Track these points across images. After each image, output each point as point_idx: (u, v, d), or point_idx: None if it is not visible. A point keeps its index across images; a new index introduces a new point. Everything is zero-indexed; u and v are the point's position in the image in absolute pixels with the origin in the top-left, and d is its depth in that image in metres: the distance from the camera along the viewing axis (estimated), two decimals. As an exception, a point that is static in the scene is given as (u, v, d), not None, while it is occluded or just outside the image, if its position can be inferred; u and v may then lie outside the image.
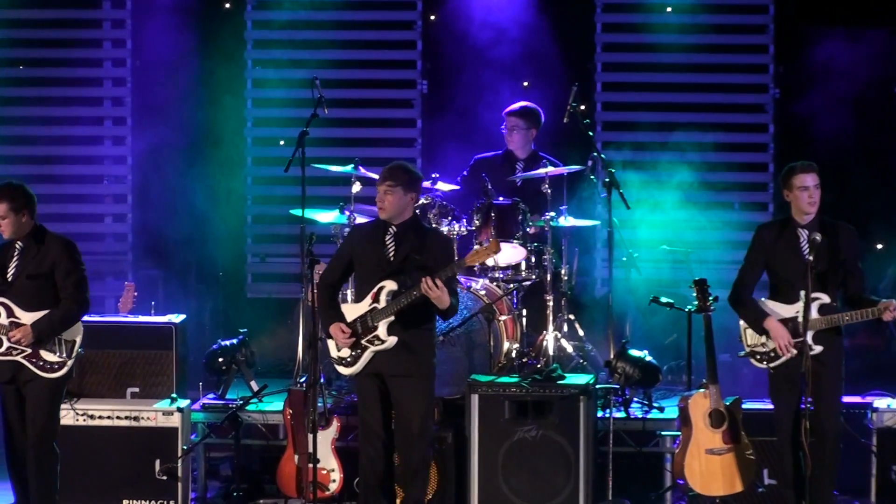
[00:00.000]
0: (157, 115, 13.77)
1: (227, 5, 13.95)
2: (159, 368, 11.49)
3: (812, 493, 9.90)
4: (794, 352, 9.85)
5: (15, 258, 9.93)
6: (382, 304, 9.78)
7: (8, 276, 9.91)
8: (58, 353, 9.95)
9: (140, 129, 13.91)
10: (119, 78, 13.99)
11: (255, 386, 11.62)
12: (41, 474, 9.97)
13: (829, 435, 9.85)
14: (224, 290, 13.78)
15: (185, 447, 11.12)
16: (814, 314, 9.86)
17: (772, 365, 10.02)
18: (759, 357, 10.04)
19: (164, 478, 11.06)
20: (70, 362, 9.98)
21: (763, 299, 10.04)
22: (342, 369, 9.98)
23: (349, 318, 9.85)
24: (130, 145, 13.96)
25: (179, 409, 11.18)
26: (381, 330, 9.78)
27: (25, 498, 10.10)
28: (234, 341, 11.86)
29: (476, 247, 10.09)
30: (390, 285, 9.78)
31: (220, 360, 11.79)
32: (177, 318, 11.71)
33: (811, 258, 9.74)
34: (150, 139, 13.81)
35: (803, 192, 9.92)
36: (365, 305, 9.84)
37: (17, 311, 9.88)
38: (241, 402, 11.40)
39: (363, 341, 9.83)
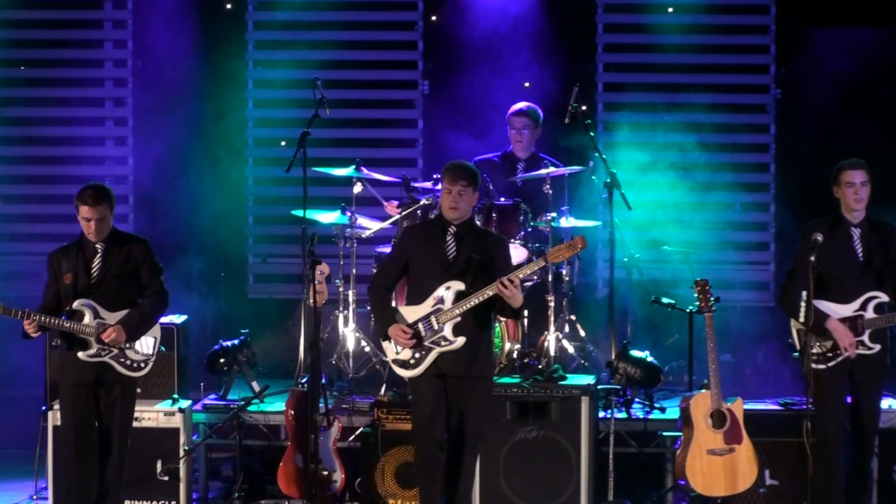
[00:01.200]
0: (158, 116, 13.78)
1: (229, 6, 13.96)
2: (161, 369, 11.48)
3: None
4: (857, 352, 9.82)
5: (98, 259, 9.91)
6: (448, 304, 9.72)
7: (92, 277, 9.90)
8: (143, 352, 9.96)
9: (141, 129, 13.92)
10: (120, 78, 13.99)
11: (256, 386, 11.62)
12: (120, 470, 10.00)
13: (870, 437, 9.86)
14: (226, 290, 13.79)
15: (186, 448, 11.13)
16: (871, 313, 9.84)
17: (829, 365, 9.94)
18: (816, 357, 9.93)
19: (166, 478, 11.08)
20: (153, 360, 10.01)
21: (817, 300, 9.93)
22: (403, 371, 9.83)
23: (409, 320, 9.78)
24: (132, 146, 13.97)
25: (181, 410, 11.20)
26: (448, 330, 9.70)
27: (86, 498, 10.04)
28: (236, 342, 11.87)
29: (560, 244, 9.97)
30: (457, 285, 9.71)
31: (222, 360, 11.80)
32: (178, 319, 11.72)
33: (812, 258, 9.71)
34: (152, 140, 13.82)
35: (849, 187, 9.91)
36: (427, 307, 9.73)
37: (102, 311, 9.87)
38: (243, 402, 11.41)
39: (427, 342, 9.75)
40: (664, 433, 11.28)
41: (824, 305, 9.90)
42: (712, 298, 10.49)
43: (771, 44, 13.58)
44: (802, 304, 9.75)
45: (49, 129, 13.97)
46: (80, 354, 9.83)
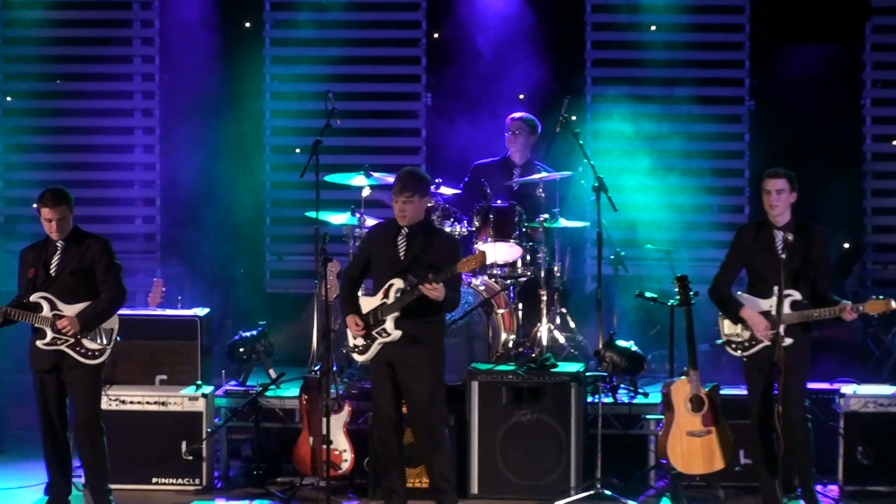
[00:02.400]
0: (183, 126, 13.75)
1: (248, 25, 13.93)
2: (185, 358, 11.48)
3: (786, 471, 9.88)
4: (770, 338, 9.82)
5: (57, 256, 9.91)
6: (391, 300, 9.82)
7: (51, 272, 9.90)
8: (98, 341, 9.94)
9: (167, 138, 13.89)
10: (148, 91, 13.96)
11: (273, 374, 11.59)
12: (95, 451, 10.02)
13: (793, 419, 9.82)
14: (245, 285, 13.76)
15: (209, 430, 11.12)
16: (786, 309, 9.84)
17: (746, 353, 10.00)
18: (734, 346, 10.04)
19: (190, 458, 11.07)
20: (109, 349, 9.98)
21: (740, 293, 10.02)
22: (356, 356, 10.11)
23: (365, 310, 9.89)
24: (159, 153, 13.94)
25: (204, 395, 11.18)
26: (389, 324, 9.83)
27: (60, 477, 10.09)
28: (254, 333, 11.84)
29: (466, 256, 10.06)
30: (398, 283, 9.82)
31: (241, 349, 11.77)
32: (201, 312, 11.70)
33: (784, 256, 9.72)
34: (177, 147, 13.80)
35: (767, 195, 9.96)
36: (377, 300, 9.89)
37: (59, 304, 9.88)
38: (261, 388, 11.39)
39: (373, 332, 9.86)
40: (647, 416, 11.26)
41: (747, 298, 9.95)
42: (691, 293, 10.48)
43: (745, 59, 13.55)
44: (774, 297, 9.73)
45: (83, 138, 13.95)
46: (38, 343, 9.85)
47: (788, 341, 9.81)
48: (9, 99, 13.91)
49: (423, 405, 9.90)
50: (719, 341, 10.11)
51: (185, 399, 11.16)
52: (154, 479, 11.05)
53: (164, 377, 11.52)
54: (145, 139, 14.00)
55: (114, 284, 9.97)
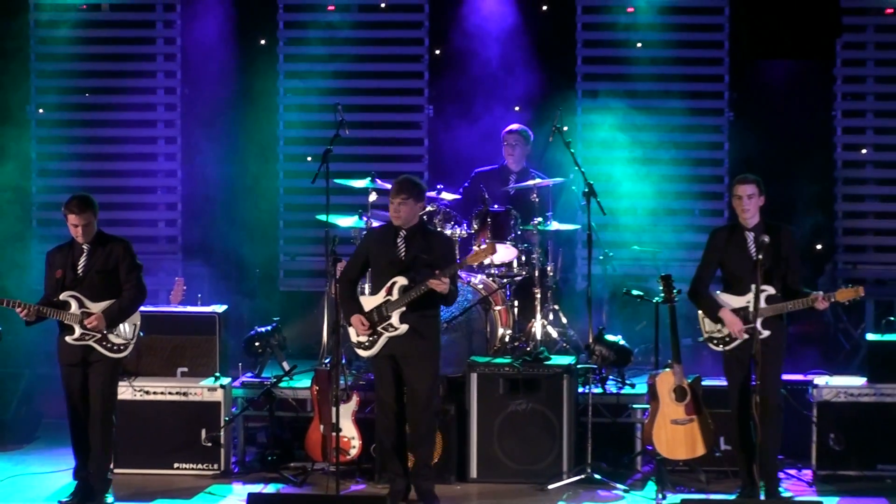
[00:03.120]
0: (202, 135, 13.75)
1: (263, 42, 13.93)
2: (205, 351, 11.47)
3: (761, 457, 9.90)
4: (746, 336, 9.85)
5: (83, 257, 9.94)
6: (395, 296, 9.84)
7: (78, 272, 9.93)
8: (122, 337, 9.96)
9: (188, 147, 13.89)
10: (170, 103, 13.95)
11: (286, 366, 11.60)
12: (104, 440, 10.04)
13: (771, 407, 9.84)
14: (260, 284, 13.75)
15: (226, 418, 11.12)
16: (762, 304, 9.85)
17: (726, 348, 10.01)
18: (715, 341, 10.06)
19: (209, 444, 11.07)
20: (132, 343, 10.01)
21: (718, 292, 10.03)
22: (361, 352, 10.09)
23: (366, 309, 9.91)
24: (180, 161, 13.93)
25: (222, 386, 11.19)
26: (395, 319, 9.84)
27: (86, 462, 10.09)
28: (269, 328, 11.84)
29: (475, 248, 10.12)
30: (402, 281, 9.84)
31: (257, 344, 11.77)
32: (220, 309, 11.70)
33: (760, 256, 9.74)
34: (197, 155, 13.80)
35: (738, 200, 9.99)
36: (380, 298, 9.89)
37: (87, 302, 9.90)
38: (275, 380, 11.39)
39: (379, 328, 9.88)
40: (634, 406, 11.26)
41: (723, 298, 9.98)
42: (675, 291, 10.47)
43: (725, 73, 13.54)
44: (752, 294, 9.74)
45: (110, 147, 13.94)
46: (67, 338, 9.87)
47: (766, 333, 9.84)
48: (41, 111, 13.91)
49: (425, 397, 9.95)
50: (701, 338, 10.13)
51: (205, 390, 11.16)
52: (175, 465, 11.06)
53: (185, 369, 11.52)
54: (167, 148, 13.99)
55: (136, 283, 10.02)
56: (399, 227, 9.94)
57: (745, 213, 9.95)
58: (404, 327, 9.85)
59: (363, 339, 9.99)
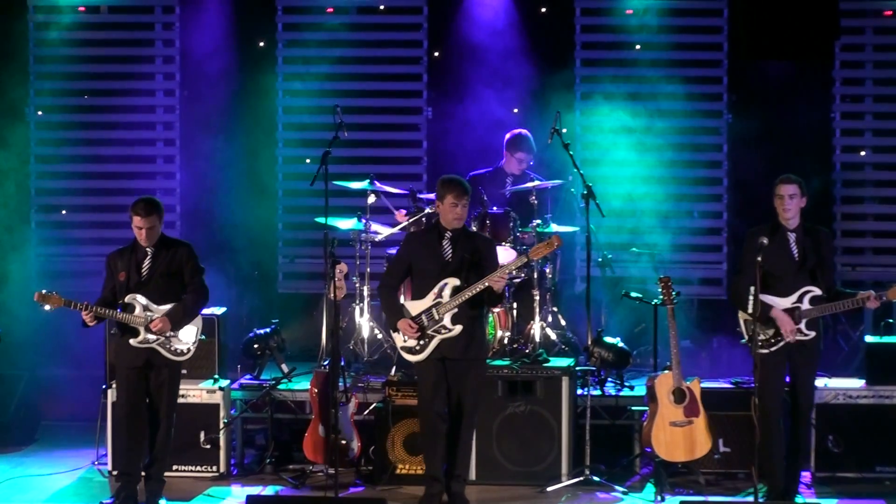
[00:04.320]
0: (201, 137, 13.75)
1: (262, 44, 13.93)
2: (204, 353, 11.45)
3: (788, 458, 9.88)
4: (797, 337, 9.80)
5: (148, 260, 9.93)
6: (446, 298, 9.76)
7: (143, 275, 9.90)
8: (185, 340, 9.96)
9: (187, 149, 13.89)
10: (169, 106, 13.95)
11: (285, 368, 11.60)
12: (166, 442, 10.07)
13: (806, 410, 9.83)
14: (259, 286, 13.75)
15: (225, 420, 11.12)
16: (807, 305, 9.82)
17: (771, 350, 9.88)
18: (760, 343, 9.86)
19: (208, 446, 11.08)
20: (194, 348, 10.01)
21: (763, 295, 9.83)
22: (410, 357, 9.95)
23: (413, 313, 9.83)
24: (179, 163, 13.93)
25: (221, 388, 11.19)
26: (447, 320, 9.77)
27: (135, 465, 10.04)
28: (268, 330, 11.84)
29: (539, 243, 10.04)
30: (453, 282, 9.81)
31: (256, 346, 11.77)
32: (219, 311, 11.69)
33: (759, 258, 9.69)
34: (196, 158, 13.80)
35: (780, 199, 9.94)
36: (428, 301, 9.82)
37: (151, 304, 9.88)
38: (274, 382, 11.40)
39: (430, 331, 9.79)
40: (633, 408, 11.26)
41: (768, 299, 9.87)
42: (674, 293, 10.48)
43: (724, 75, 13.54)
44: (750, 297, 9.72)
45: (108, 149, 13.94)
46: (132, 341, 9.85)
47: (811, 334, 9.81)
48: (40, 113, 13.90)
49: (472, 399, 9.93)
50: (743, 340, 10.01)
51: (204, 392, 11.16)
52: (175, 466, 11.05)
53: (185, 371, 11.47)
54: (166, 150, 13.99)
55: (200, 286, 10.07)
56: (444, 229, 9.91)
57: (787, 212, 9.90)
58: (458, 328, 9.80)
59: (411, 343, 9.92)
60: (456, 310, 9.78)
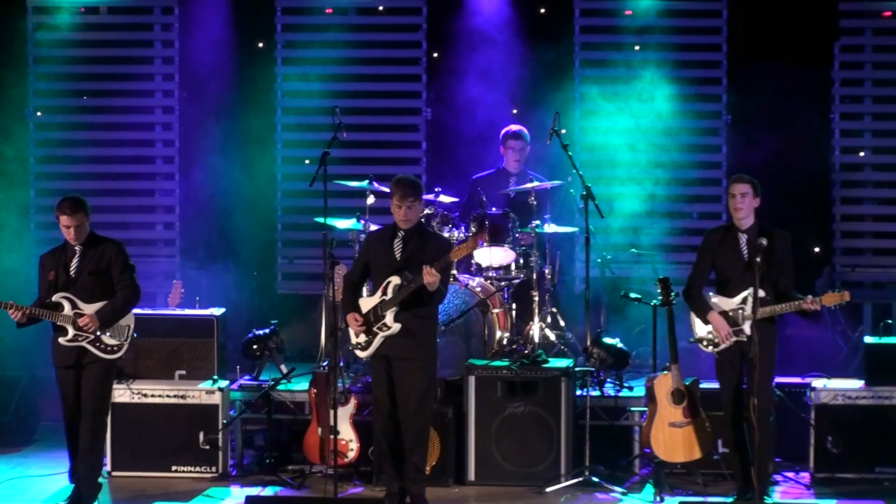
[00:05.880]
0: (200, 138, 13.75)
1: (261, 45, 13.93)
2: (203, 354, 11.48)
3: (759, 458, 9.88)
4: (733, 340, 9.83)
5: (76, 259, 9.93)
6: (389, 295, 9.83)
7: (71, 273, 9.91)
8: (116, 338, 9.94)
9: (186, 149, 13.89)
10: (168, 106, 13.95)
11: (284, 369, 11.60)
12: (94, 443, 9.95)
13: (762, 410, 9.81)
14: (258, 287, 13.75)
15: (224, 421, 11.12)
16: (749, 306, 9.83)
17: (717, 350, 10.00)
18: (706, 343, 10.04)
19: (207, 447, 11.07)
20: (126, 345, 9.99)
21: (710, 293, 10.02)
22: (358, 353, 10.10)
23: (364, 310, 9.93)
24: (178, 164, 13.93)
25: (220, 389, 11.19)
26: (389, 318, 9.85)
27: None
28: (267, 331, 11.84)
29: (458, 245, 10.09)
30: (395, 280, 9.86)
31: (255, 346, 11.77)
32: (217, 311, 11.71)
33: (758, 259, 9.71)
34: (194, 158, 13.80)
35: (731, 198, 9.99)
36: (376, 298, 9.92)
37: (80, 303, 9.88)
38: (273, 382, 11.39)
39: (374, 328, 9.87)
40: (632, 408, 11.26)
41: (715, 299, 9.97)
42: (673, 294, 10.48)
43: (723, 76, 13.55)
44: (749, 296, 9.74)
45: (108, 150, 13.94)
46: (60, 340, 9.85)
47: (754, 336, 9.83)
48: (39, 114, 13.90)
49: (416, 399, 9.90)
50: (691, 339, 10.12)
51: (203, 392, 11.16)
52: (174, 467, 11.06)
53: (183, 372, 11.52)
54: (165, 151, 13.99)
55: (129, 284, 10.00)
56: (397, 228, 9.95)
57: (738, 212, 9.94)
58: (397, 326, 9.86)
59: (361, 339, 10.00)
60: (396, 308, 9.83)
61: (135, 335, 10.13)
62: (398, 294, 9.83)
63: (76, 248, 9.97)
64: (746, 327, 9.81)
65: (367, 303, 10.02)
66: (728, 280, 9.95)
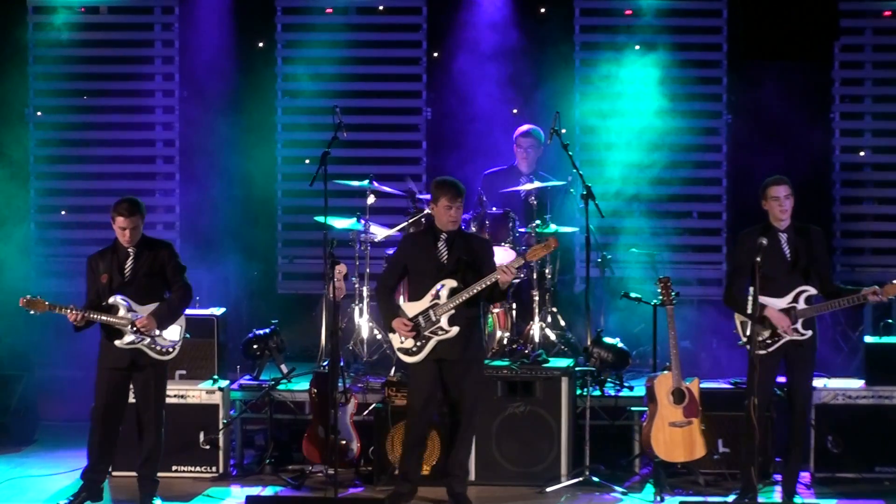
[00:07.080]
0: (200, 137, 13.76)
1: (261, 45, 13.93)
2: (203, 354, 11.48)
3: (787, 458, 9.88)
4: (794, 335, 9.80)
5: (130, 260, 9.92)
6: (444, 299, 9.76)
7: (126, 275, 9.90)
8: (171, 339, 9.96)
9: (186, 149, 13.89)
10: (168, 106, 13.96)
11: (284, 369, 11.61)
12: (158, 442, 10.05)
13: (803, 410, 9.84)
14: (258, 287, 13.76)
15: (225, 421, 11.13)
16: (802, 304, 9.82)
17: (768, 350, 9.88)
18: (758, 344, 9.86)
19: (208, 447, 11.08)
20: (179, 346, 10.00)
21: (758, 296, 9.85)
22: (406, 358, 9.96)
23: (410, 314, 9.84)
24: (177, 164, 13.93)
25: (220, 389, 11.20)
26: (444, 321, 9.77)
27: (102, 466, 10.05)
28: (267, 331, 11.85)
29: (536, 245, 10.06)
30: (450, 283, 9.80)
31: (255, 346, 11.78)
32: (218, 311, 11.72)
33: (758, 259, 9.69)
34: (194, 158, 13.80)
35: (775, 201, 9.92)
36: (425, 302, 9.83)
37: (134, 305, 9.88)
38: (273, 382, 11.40)
39: (426, 333, 9.79)
40: (632, 408, 11.27)
41: (763, 300, 9.86)
42: (673, 293, 10.48)
43: (723, 76, 13.55)
44: (749, 298, 9.73)
45: (108, 150, 13.94)
46: (117, 342, 9.84)
47: (808, 334, 9.81)
48: (39, 114, 13.91)
49: (473, 401, 9.95)
50: (741, 342, 10.01)
51: (203, 392, 11.17)
52: (174, 467, 11.06)
53: (184, 372, 11.52)
54: (165, 151, 13.99)
55: (183, 283, 10.06)
56: (439, 230, 9.92)
57: (785, 213, 9.91)
58: (455, 329, 9.81)
59: (409, 344, 9.92)
60: (453, 311, 9.79)
61: (187, 335, 10.16)
62: (455, 297, 9.78)
63: (129, 250, 9.96)
64: (800, 325, 9.80)
65: (410, 307, 9.96)
66: (772, 280, 9.86)
